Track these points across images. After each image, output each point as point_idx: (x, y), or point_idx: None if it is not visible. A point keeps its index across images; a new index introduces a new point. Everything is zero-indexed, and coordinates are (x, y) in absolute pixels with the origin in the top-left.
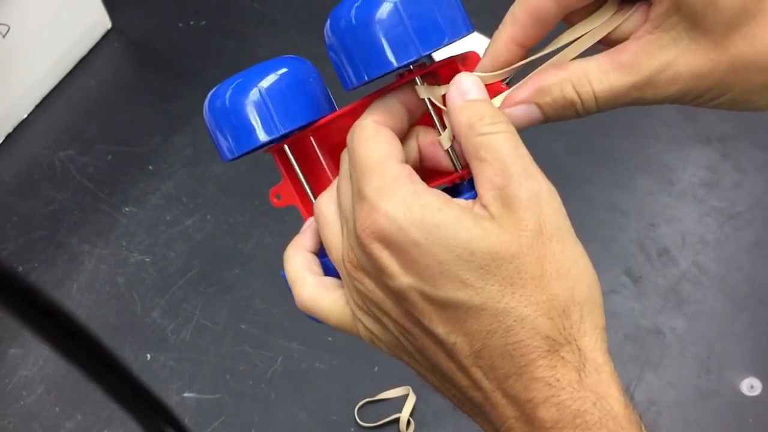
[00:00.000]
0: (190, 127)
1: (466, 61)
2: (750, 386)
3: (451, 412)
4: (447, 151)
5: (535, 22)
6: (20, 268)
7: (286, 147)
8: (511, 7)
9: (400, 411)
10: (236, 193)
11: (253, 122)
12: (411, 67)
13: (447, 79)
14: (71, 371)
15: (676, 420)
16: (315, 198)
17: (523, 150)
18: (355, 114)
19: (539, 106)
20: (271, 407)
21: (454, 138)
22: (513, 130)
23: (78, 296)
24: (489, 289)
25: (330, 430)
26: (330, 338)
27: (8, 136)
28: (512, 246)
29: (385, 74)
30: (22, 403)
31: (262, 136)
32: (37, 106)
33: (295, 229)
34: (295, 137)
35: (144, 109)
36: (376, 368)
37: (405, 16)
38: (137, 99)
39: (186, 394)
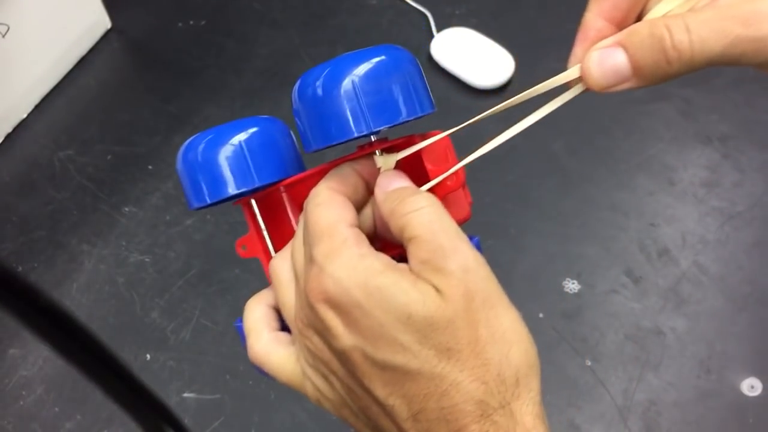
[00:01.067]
0: (190, 127)
1: (426, 137)
2: (750, 386)
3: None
4: None
5: None
6: (20, 268)
7: (252, 201)
8: None
9: None
10: None
11: (226, 175)
12: (372, 138)
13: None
14: (71, 371)
15: (676, 420)
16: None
17: (447, 222)
18: (323, 176)
19: (625, 47)
20: (271, 407)
21: None
22: (435, 204)
23: (78, 296)
24: (426, 353)
25: (330, 430)
26: None
27: (8, 136)
28: (447, 311)
29: (345, 141)
30: (21, 403)
31: (232, 189)
32: (37, 106)
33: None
34: (266, 192)
35: (144, 109)
36: None
37: (366, 91)
38: (137, 99)
39: (186, 394)
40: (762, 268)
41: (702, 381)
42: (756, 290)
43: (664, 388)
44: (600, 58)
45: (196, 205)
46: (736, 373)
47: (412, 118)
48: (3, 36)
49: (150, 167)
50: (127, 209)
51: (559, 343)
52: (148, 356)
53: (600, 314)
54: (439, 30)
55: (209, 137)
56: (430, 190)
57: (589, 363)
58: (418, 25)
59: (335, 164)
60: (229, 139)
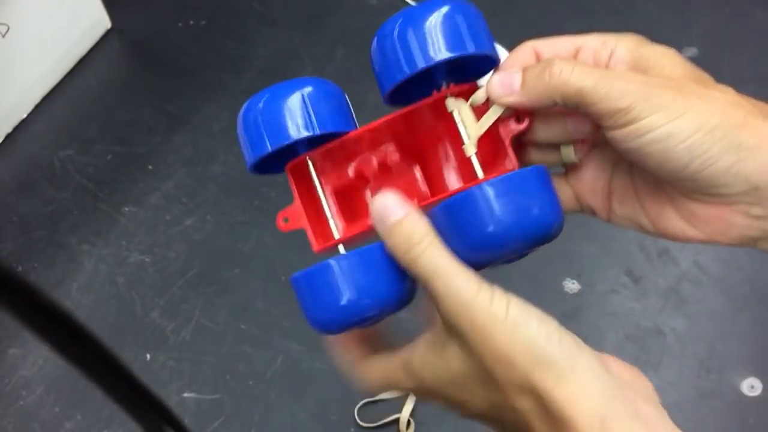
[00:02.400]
0: (190, 127)
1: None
2: (750, 386)
3: (452, 412)
4: (470, 158)
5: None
6: (20, 268)
7: (308, 159)
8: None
9: (400, 411)
10: (236, 193)
11: (288, 120)
12: (445, 84)
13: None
14: (71, 371)
15: (676, 420)
16: (331, 216)
17: (446, 265)
18: (380, 133)
19: (523, 71)
20: (271, 407)
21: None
22: (434, 245)
23: (78, 296)
24: (479, 403)
25: (330, 430)
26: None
27: (8, 136)
28: (465, 371)
29: (416, 73)
30: (21, 403)
31: (294, 133)
32: (37, 106)
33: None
34: (297, 163)
35: (144, 109)
36: None
37: (434, 28)
38: (137, 99)
39: (186, 394)
40: (762, 268)
41: (702, 381)
42: (756, 290)
43: (664, 388)
44: (503, 74)
45: (251, 161)
46: (736, 373)
47: (478, 53)
48: (3, 36)
49: (150, 167)
50: (127, 209)
51: None
52: (148, 356)
53: (600, 314)
54: None
55: (264, 97)
56: (493, 131)
57: None
58: None
59: (392, 117)
60: (281, 98)
